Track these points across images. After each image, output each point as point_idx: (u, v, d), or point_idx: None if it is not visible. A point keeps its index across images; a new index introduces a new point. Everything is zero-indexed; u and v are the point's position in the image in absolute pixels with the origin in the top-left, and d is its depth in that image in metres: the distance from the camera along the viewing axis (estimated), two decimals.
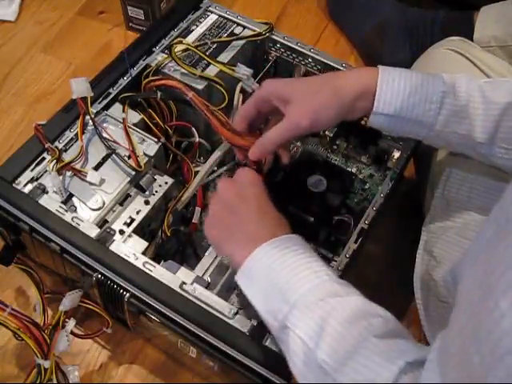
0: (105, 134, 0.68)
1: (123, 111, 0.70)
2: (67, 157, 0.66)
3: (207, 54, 0.75)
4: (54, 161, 0.64)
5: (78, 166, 0.66)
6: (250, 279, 0.52)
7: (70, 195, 0.64)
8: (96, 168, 0.66)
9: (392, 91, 0.60)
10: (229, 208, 0.57)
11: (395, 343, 0.45)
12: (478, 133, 0.60)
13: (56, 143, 0.68)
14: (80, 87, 0.67)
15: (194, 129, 0.75)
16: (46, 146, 0.66)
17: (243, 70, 0.73)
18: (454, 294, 0.41)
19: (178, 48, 0.74)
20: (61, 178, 0.64)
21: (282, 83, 0.63)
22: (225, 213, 0.57)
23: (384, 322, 0.47)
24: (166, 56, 0.75)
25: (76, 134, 0.68)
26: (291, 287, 0.49)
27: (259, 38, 0.80)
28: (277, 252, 0.51)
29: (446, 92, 0.60)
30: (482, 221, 0.64)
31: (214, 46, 0.77)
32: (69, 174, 0.65)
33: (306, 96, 0.61)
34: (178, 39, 0.77)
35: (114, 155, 0.67)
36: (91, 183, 0.65)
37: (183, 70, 0.73)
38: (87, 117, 0.68)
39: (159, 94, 0.71)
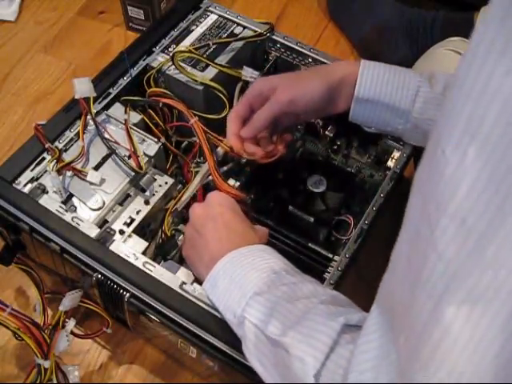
0: (105, 135, 0.68)
1: (125, 113, 0.70)
2: (67, 157, 0.66)
3: (207, 53, 0.75)
4: (54, 161, 0.65)
5: (78, 166, 0.66)
6: (214, 285, 0.54)
7: (70, 195, 0.64)
8: (96, 168, 0.66)
9: (372, 77, 0.64)
10: (197, 230, 0.59)
11: (341, 308, 0.46)
12: None
13: (56, 143, 0.68)
14: (83, 87, 0.67)
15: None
16: (46, 146, 0.66)
17: (250, 73, 0.73)
18: None
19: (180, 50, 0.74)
20: (61, 178, 0.64)
21: (273, 76, 0.68)
22: (195, 235, 0.60)
23: (333, 297, 0.49)
24: (167, 57, 0.75)
25: (76, 134, 0.68)
26: (248, 283, 0.51)
27: (260, 38, 0.80)
28: (238, 258, 0.54)
29: (422, 81, 0.64)
30: None
31: (213, 47, 0.77)
32: (69, 174, 0.65)
33: (292, 80, 0.65)
34: (180, 46, 0.77)
35: (114, 155, 0.67)
36: (91, 183, 0.65)
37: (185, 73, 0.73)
38: (87, 117, 0.68)
39: (161, 103, 0.72)
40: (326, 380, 0.42)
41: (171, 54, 0.74)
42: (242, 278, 0.52)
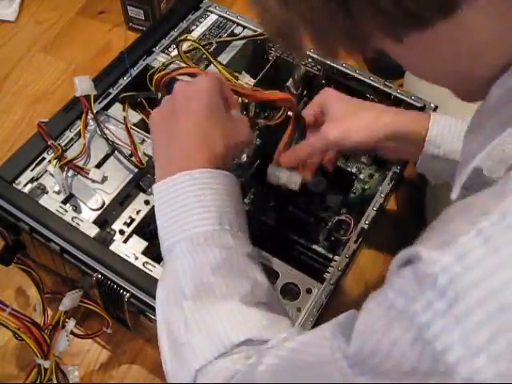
0: (106, 132, 0.68)
1: (123, 110, 0.70)
2: (68, 156, 0.66)
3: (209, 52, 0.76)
4: (57, 158, 0.65)
5: (79, 164, 0.66)
6: (161, 198, 0.52)
7: (71, 195, 0.64)
8: (97, 167, 0.66)
9: (442, 133, 0.61)
10: (171, 113, 0.55)
11: (254, 314, 0.45)
12: None
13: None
14: (84, 85, 0.67)
15: None
16: (49, 142, 0.66)
17: (247, 79, 0.73)
18: None
19: (184, 46, 0.74)
20: (64, 174, 0.64)
21: (337, 98, 0.66)
22: (168, 115, 0.56)
23: (256, 287, 0.48)
24: (169, 58, 0.75)
25: (76, 134, 0.68)
26: (191, 222, 0.50)
27: (262, 37, 0.80)
28: (192, 185, 0.51)
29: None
30: None
31: (215, 45, 0.77)
32: (70, 174, 0.65)
33: (347, 116, 0.63)
34: (184, 36, 0.77)
35: (115, 153, 0.67)
36: (94, 180, 0.65)
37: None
38: (88, 115, 0.68)
39: (159, 94, 0.71)
40: (203, 380, 0.43)
41: (177, 41, 0.73)
42: (188, 211, 0.50)
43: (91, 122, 0.69)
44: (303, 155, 0.66)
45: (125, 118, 0.69)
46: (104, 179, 0.65)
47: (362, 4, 0.32)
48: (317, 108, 0.66)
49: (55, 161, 0.64)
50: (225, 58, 0.76)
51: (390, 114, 0.65)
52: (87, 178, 0.65)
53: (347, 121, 0.63)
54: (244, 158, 0.73)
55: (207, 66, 0.74)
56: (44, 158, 0.66)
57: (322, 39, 0.38)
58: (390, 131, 0.62)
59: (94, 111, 0.69)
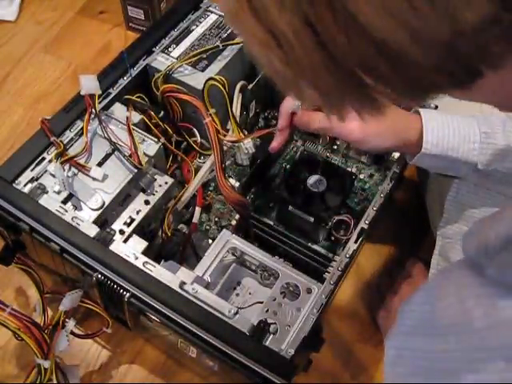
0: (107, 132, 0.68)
1: (127, 110, 0.70)
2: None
3: (208, 53, 0.75)
4: (59, 154, 0.65)
5: (81, 162, 0.66)
6: None
7: (71, 195, 0.64)
8: (98, 166, 0.67)
9: (438, 134, 0.63)
10: None
11: None
12: None
13: None
14: (89, 84, 0.67)
15: (195, 129, 0.75)
16: (52, 139, 0.66)
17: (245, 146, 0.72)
18: None
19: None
20: (65, 173, 0.64)
21: None
22: None
23: None
24: (175, 62, 0.75)
25: (76, 134, 0.68)
26: None
27: None
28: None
29: (486, 132, 0.62)
30: None
31: (221, 47, 0.77)
32: (70, 174, 0.65)
33: (369, 127, 0.64)
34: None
35: (115, 153, 0.67)
36: (94, 178, 0.65)
37: (187, 72, 0.73)
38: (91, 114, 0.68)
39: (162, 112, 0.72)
40: None
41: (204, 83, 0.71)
42: None
43: (91, 122, 0.69)
44: (316, 127, 0.67)
45: (127, 118, 0.69)
46: (105, 177, 0.65)
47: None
48: None
49: (57, 157, 0.64)
50: (225, 57, 0.76)
51: (401, 119, 0.66)
52: (88, 176, 0.65)
53: (370, 123, 0.64)
54: (244, 159, 0.73)
55: (206, 67, 0.74)
56: (44, 158, 0.66)
57: (333, 104, 0.33)
58: (402, 138, 0.64)
59: (99, 108, 0.68)
